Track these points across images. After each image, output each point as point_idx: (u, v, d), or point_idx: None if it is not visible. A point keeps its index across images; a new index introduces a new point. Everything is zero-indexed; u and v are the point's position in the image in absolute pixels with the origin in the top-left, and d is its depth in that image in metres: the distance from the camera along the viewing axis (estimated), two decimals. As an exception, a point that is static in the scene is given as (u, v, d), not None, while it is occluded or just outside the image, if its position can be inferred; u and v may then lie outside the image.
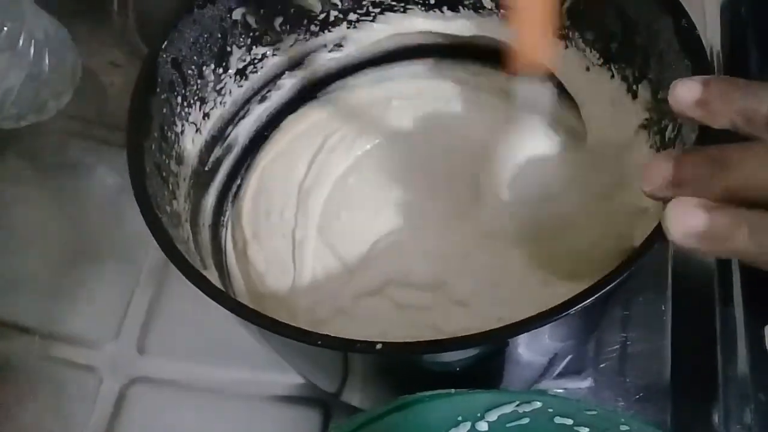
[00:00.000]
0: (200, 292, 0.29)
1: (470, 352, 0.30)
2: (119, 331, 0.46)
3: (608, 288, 0.27)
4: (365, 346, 0.27)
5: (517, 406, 0.32)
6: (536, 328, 0.27)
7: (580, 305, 0.27)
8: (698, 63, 0.31)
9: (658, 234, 0.27)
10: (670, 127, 0.34)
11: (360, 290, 0.38)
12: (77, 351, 0.46)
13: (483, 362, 0.33)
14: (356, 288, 0.38)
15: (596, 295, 0.27)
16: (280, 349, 0.34)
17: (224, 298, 0.29)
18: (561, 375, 0.42)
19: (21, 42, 0.49)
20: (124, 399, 0.44)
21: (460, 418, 0.32)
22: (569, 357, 0.39)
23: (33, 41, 0.50)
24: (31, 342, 0.46)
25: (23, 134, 0.53)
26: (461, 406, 0.32)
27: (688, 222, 0.26)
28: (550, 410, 0.32)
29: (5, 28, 0.48)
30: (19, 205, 0.52)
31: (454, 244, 0.38)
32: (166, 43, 0.36)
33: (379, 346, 0.26)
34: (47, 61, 0.51)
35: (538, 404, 0.31)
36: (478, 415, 0.32)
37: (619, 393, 0.42)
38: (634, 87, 0.37)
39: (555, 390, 0.42)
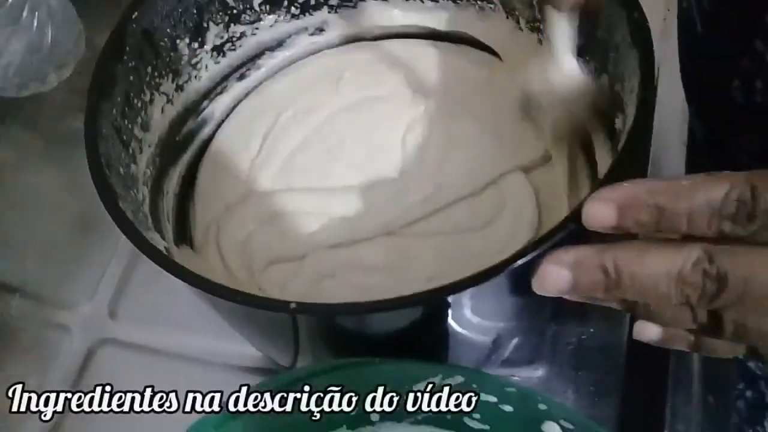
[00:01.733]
0: None
1: (395, 320, 0.30)
2: (94, 295, 0.48)
3: (514, 265, 0.27)
4: (280, 305, 0.28)
5: (442, 379, 0.32)
6: (444, 296, 0.27)
7: (486, 280, 0.27)
8: (645, 55, 0.32)
9: (572, 218, 0.28)
10: (619, 120, 0.35)
11: (314, 274, 0.39)
12: (53, 311, 0.48)
13: (423, 337, 0.34)
14: (310, 272, 0.39)
15: (503, 270, 0.27)
16: (225, 315, 0.36)
17: (153, 251, 0.30)
18: (513, 364, 0.43)
19: (24, 14, 0.51)
20: (92, 358, 0.46)
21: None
22: (515, 341, 0.40)
23: (36, 14, 0.52)
24: (12, 300, 0.48)
25: (25, 104, 0.56)
26: (387, 377, 0.33)
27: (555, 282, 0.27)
28: (474, 386, 0.32)
29: (9, 1, 0.50)
30: (17, 170, 0.55)
31: (407, 223, 0.39)
32: (136, 13, 0.37)
33: (293, 305, 0.27)
34: (50, 33, 0.54)
35: (461, 378, 0.32)
36: (406, 387, 0.33)
37: (570, 385, 0.42)
38: (598, 79, 0.38)
39: (506, 376, 0.42)
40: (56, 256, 0.50)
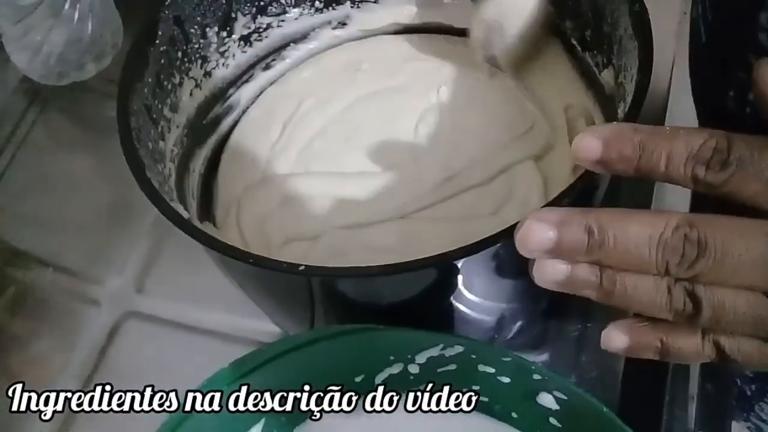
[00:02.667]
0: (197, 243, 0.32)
1: (402, 287, 0.32)
2: (123, 270, 0.51)
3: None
4: (289, 267, 0.30)
5: (443, 349, 0.34)
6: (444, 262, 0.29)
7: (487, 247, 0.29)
8: (644, 45, 0.33)
9: (568, 193, 0.30)
10: (620, 109, 0.37)
11: (327, 253, 0.40)
12: (85, 285, 0.51)
13: (429, 312, 0.36)
14: (323, 251, 0.40)
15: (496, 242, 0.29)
16: (240, 281, 0.38)
17: (174, 214, 0.32)
18: (518, 347, 0.44)
19: (66, 6, 0.54)
20: (118, 330, 0.48)
21: (392, 358, 0.35)
22: (519, 323, 0.41)
23: (78, 6, 0.55)
24: (46, 272, 0.51)
25: (65, 91, 0.59)
26: (391, 344, 0.34)
27: (547, 272, 0.28)
28: (473, 356, 0.34)
29: (52, -7, 0.53)
30: (55, 154, 0.58)
31: (419, 208, 0.41)
32: (169, 0, 0.40)
33: (301, 268, 0.30)
34: (90, 26, 0.56)
35: (461, 348, 0.34)
36: (409, 356, 0.35)
37: (573, 370, 0.44)
38: (602, 72, 0.40)
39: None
40: (88, 234, 0.53)
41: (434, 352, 0.34)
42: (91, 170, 0.57)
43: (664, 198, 0.46)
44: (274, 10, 0.45)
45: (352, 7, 0.47)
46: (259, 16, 0.45)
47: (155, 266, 0.51)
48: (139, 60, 0.38)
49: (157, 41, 0.39)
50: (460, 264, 0.31)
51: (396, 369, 0.36)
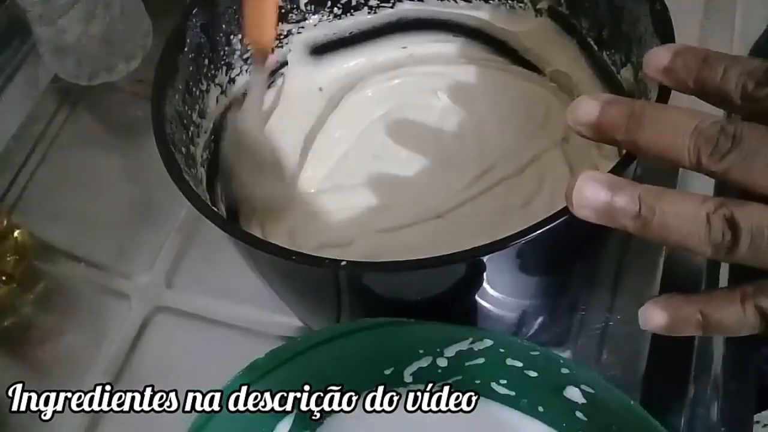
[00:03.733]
0: (226, 241, 0.34)
1: (433, 282, 0.33)
2: (153, 266, 0.52)
3: (537, 233, 0.30)
4: (331, 263, 0.31)
5: (472, 343, 0.35)
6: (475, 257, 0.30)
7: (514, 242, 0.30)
8: (666, 42, 0.34)
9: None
10: None
11: (361, 256, 0.41)
12: (115, 279, 0.52)
13: (456, 307, 0.36)
14: (356, 254, 0.41)
15: (526, 237, 0.30)
16: (272, 279, 0.39)
17: (208, 210, 0.34)
18: (542, 344, 0.45)
19: (99, 8, 0.56)
20: (148, 325, 0.49)
21: (421, 351, 0.36)
22: (540, 318, 0.42)
23: (110, 9, 0.56)
24: (77, 267, 0.52)
25: (95, 91, 0.60)
26: (420, 338, 0.35)
27: (591, 196, 0.29)
28: (502, 350, 0.35)
29: (85, -6, 0.55)
30: (85, 153, 0.59)
31: (452, 207, 0.42)
32: (196, 9, 0.41)
33: (344, 263, 0.30)
34: (121, 27, 0.58)
35: (490, 342, 0.34)
36: (438, 350, 0.36)
37: (596, 366, 0.44)
38: (621, 70, 0.40)
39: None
40: (117, 231, 0.54)
41: (463, 346, 0.35)
42: (119, 168, 0.58)
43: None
44: (294, 17, 0.46)
45: (369, 13, 0.48)
46: (280, 23, 0.46)
47: (184, 262, 0.52)
48: (170, 67, 0.39)
49: (186, 49, 0.40)
50: (487, 259, 0.32)
51: (425, 362, 0.36)
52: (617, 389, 0.33)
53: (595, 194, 0.29)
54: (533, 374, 0.35)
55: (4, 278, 0.51)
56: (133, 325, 0.49)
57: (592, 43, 0.43)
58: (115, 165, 0.59)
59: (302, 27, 0.47)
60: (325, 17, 0.47)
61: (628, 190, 0.29)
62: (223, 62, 0.44)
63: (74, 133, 0.60)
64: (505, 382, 0.36)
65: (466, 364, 0.36)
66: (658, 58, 0.31)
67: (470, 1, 0.46)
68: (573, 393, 0.34)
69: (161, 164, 0.36)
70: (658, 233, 0.28)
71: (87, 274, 0.52)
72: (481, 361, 0.36)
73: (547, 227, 0.30)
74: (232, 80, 0.45)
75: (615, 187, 0.29)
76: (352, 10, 0.48)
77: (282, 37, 0.47)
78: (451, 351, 0.35)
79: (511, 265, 0.34)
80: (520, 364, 0.35)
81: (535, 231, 0.30)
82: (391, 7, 0.48)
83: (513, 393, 0.37)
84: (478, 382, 0.37)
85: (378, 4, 0.47)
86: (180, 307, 0.50)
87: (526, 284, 0.37)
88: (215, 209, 0.37)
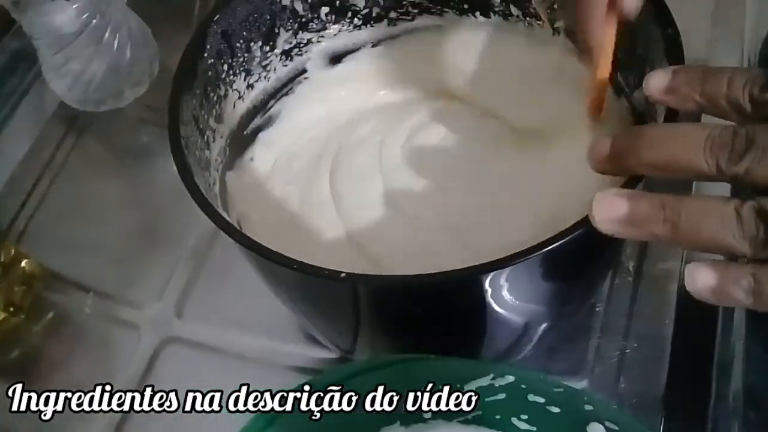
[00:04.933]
0: (236, 268, 0.33)
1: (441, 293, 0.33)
2: (162, 296, 0.51)
3: (551, 247, 0.30)
4: (331, 273, 0.31)
5: (493, 379, 0.34)
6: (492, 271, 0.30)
7: (530, 255, 0.30)
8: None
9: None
10: None
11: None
12: (124, 309, 0.51)
13: (459, 313, 0.36)
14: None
15: (536, 253, 0.30)
16: (276, 286, 0.38)
17: (217, 217, 0.33)
18: (558, 373, 0.45)
19: (106, 35, 0.56)
20: (158, 356, 0.49)
21: (441, 387, 0.35)
22: (545, 324, 0.41)
23: (117, 36, 0.56)
24: (86, 298, 0.52)
25: (102, 118, 0.60)
26: (441, 373, 0.35)
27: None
28: (523, 386, 0.34)
29: (93, 21, 0.54)
30: (93, 180, 0.59)
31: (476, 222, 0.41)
32: (218, 15, 0.41)
33: (342, 275, 0.30)
34: (129, 54, 0.58)
35: (511, 378, 0.34)
36: (458, 385, 0.35)
37: (613, 396, 0.44)
38: (634, 91, 0.41)
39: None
40: (127, 259, 0.53)
41: (484, 381, 0.34)
42: (127, 196, 0.58)
43: (693, 255, 0.47)
44: (314, 26, 0.46)
45: (389, 25, 0.48)
46: (300, 32, 0.46)
47: (194, 290, 0.51)
48: (189, 72, 0.40)
49: (206, 54, 0.41)
50: (493, 275, 0.32)
51: (444, 398, 0.36)
52: (641, 424, 0.33)
53: (616, 206, 0.29)
54: (555, 410, 0.34)
55: (12, 309, 0.51)
56: (144, 356, 0.49)
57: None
58: (123, 192, 0.58)
59: (322, 36, 0.47)
60: (345, 27, 0.47)
61: (647, 198, 0.29)
62: (242, 68, 0.44)
63: (82, 160, 0.59)
64: (526, 417, 0.36)
65: (486, 399, 0.35)
66: (658, 79, 0.31)
67: (489, 17, 0.46)
68: (597, 429, 0.34)
69: (170, 191, 0.37)
70: (690, 235, 0.28)
71: (96, 304, 0.51)
72: (501, 396, 0.35)
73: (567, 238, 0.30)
74: (250, 86, 0.45)
75: (634, 197, 0.29)
76: (372, 22, 0.48)
77: (302, 45, 0.47)
78: (471, 386, 0.35)
79: (527, 276, 0.33)
80: (543, 400, 0.34)
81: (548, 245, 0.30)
82: (411, 20, 0.48)
83: (534, 428, 0.36)
84: (498, 417, 0.36)
85: (398, 16, 0.48)
86: (191, 337, 0.49)
87: (542, 300, 0.37)
88: (227, 218, 0.36)
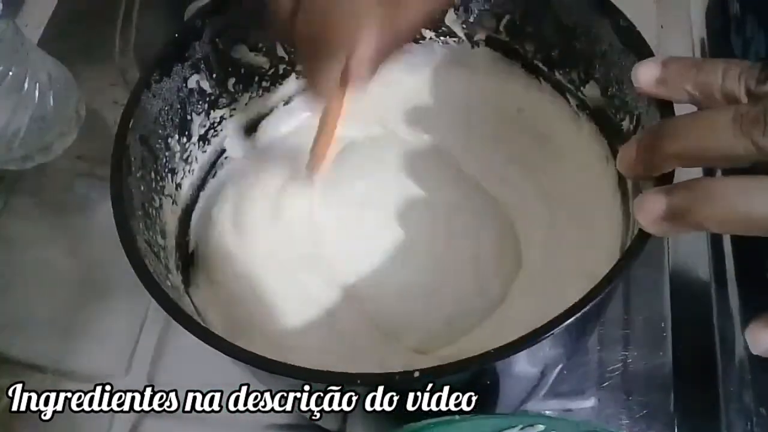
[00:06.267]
0: None
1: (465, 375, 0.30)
2: (130, 367, 0.47)
3: (590, 306, 0.28)
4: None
5: (522, 429, 0.32)
6: (521, 350, 0.28)
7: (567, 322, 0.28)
8: (645, 56, 0.33)
9: (635, 249, 0.29)
10: (627, 120, 0.36)
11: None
12: (88, 388, 0.46)
13: (478, 381, 0.34)
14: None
15: (580, 312, 0.28)
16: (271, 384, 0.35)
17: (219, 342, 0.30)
18: (565, 395, 0.43)
19: (26, 85, 0.50)
20: (137, 432, 0.45)
21: (467, 444, 0.33)
22: (560, 366, 0.40)
23: (38, 84, 0.51)
24: (43, 380, 0.47)
25: (30, 174, 0.55)
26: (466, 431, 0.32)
27: (652, 208, 0.28)
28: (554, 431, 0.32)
29: (10, 73, 0.49)
30: (27, 243, 0.54)
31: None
32: (132, 120, 0.36)
33: (358, 381, 0.28)
34: (52, 102, 0.53)
35: (542, 427, 0.32)
36: (485, 441, 0.33)
37: (622, 411, 0.43)
38: (582, 88, 0.40)
39: (559, 409, 0.43)
40: (83, 328, 0.49)
41: (513, 432, 0.32)
42: (71, 256, 0.53)
43: (678, 254, 0.47)
44: (224, 101, 0.43)
45: (297, 78, 0.45)
46: (212, 111, 0.42)
47: (165, 355, 0.47)
48: (125, 194, 0.34)
49: (133, 168, 0.36)
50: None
51: (471, 453, 0.33)
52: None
53: (657, 204, 0.28)
54: (588, 451, 0.33)
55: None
56: (121, 436, 0.45)
57: (540, 65, 0.42)
58: (66, 253, 0.53)
59: (234, 109, 0.44)
60: (254, 93, 0.44)
61: (682, 187, 0.28)
62: (167, 170, 0.40)
63: (15, 224, 0.54)
64: (555, 460, 0.34)
65: (517, 449, 0.33)
66: (647, 71, 0.31)
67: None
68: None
69: (117, 242, 0.32)
70: (737, 212, 0.26)
71: (56, 386, 0.46)
72: (530, 443, 0.33)
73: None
74: (178, 186, 0.41)
75: (669, 191, 0.28)
76: (279, 80, 0.45)
77: (216, 124, 0.43)
78: (499, 440, 0.33)
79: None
80: (574, 443, 0.33)
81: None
82: None
83: (565, 469, 0.34)
84: (527, 461, 0.34)
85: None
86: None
87: (548, 353, 0.35)
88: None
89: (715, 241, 0.47)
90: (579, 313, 0.27)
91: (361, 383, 0.28)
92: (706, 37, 0.56)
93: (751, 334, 0.29)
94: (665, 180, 0.30)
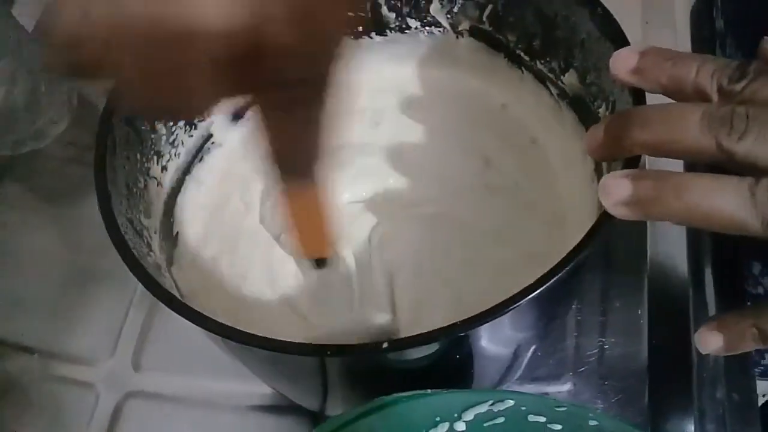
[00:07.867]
0: None
1: (433, 348, 0.31)
2: (115, 349, 0.48)
3: (553, 281, 0.28)
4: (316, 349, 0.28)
5: (492, 405, 0.33)
6: (487, 321, 0.29)
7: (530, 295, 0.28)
8: (620, 44, 0.34)
9: (597, 230, 0.29)
10: (603, 107, 0.37)
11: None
12: (75, 368, 0.47)
13: (449, 357, 0.35)
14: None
15: (543, 287, 0.28)
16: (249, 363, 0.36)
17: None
18: (542, 380, 0.44)
19: (17, 72, 0.51)
20: (120, 413, 0.45)
21: (438, 419, 0.34)
22: (533, 347, 0.40)
23: (29, 72, 0.52)
24: (30, 360, 0.48)
25: (21, 161, 0.55)
26: (438, 406, 0.33)
27: (617, 192, 0.28)
28: (523, 408, 0.33)
29: (3, 60, 0.50)
30: (18, 229, 0.54)
31: None
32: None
33: (328, 352, 0.28)
34: (44, 89, 0.53)
35: (511, 402, 0.33)
36: (455, 415, 0.34)
37: (598, 396, 0.43)
38: (561, 77, 0.40)
39: (535, 393, 0.43)
40: (71, 312, 0.50)
41: (482, 408, 0.33)
42: (60, 241, 0.54)
43: (657, 245, 0.47)
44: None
45: None
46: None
47: (150, 338, 0.48)
48: (109, 173, 0.35)
49: (117, 148, 0.36)
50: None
51: (441, 429, 0.34)
52: (646, 433, 0.32)
53: (621, 188, 0.28)
54: (557, 427, 0.33)
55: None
56: (104, 416, 0.45)
57: (522, 54, 0.43)
58: (55, 238, 0.54)
59: None
60: None
61: (651, 176, 0.28)
62: (153, 152, 0.40)
63: (5, 208, 0.55)
64: (528, 437, 0.35)
65: (485, 424, 0.34)
66: (624, 59, 0.31)
67: (386, 35, 0.45)
68: (601, 443, 0.33)
69: (101, 230, 0.32)
70: (704, 213, 0.27)
71: (44, 366, 0.47)
72: (501, 420, 0.34)
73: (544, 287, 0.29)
74: (164, 168, 0.42)
75: (637, 176, 0.28)
76: None
77: None
78: (469, 414, 0.33)
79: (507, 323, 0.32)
80: (543, 419, 0.33)
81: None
82: None
83: (536, 447, 0.35)
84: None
85: None
86: (152, 389, 0.46)
87: (523, 331, 0.35)
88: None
89: (694, 232, 0.48)
90: (540, 289, 0.28)
91: (331, 354, 0.28)
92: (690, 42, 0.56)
93: (700, 337, 0.30)
94: (633, 163, 0.31)
